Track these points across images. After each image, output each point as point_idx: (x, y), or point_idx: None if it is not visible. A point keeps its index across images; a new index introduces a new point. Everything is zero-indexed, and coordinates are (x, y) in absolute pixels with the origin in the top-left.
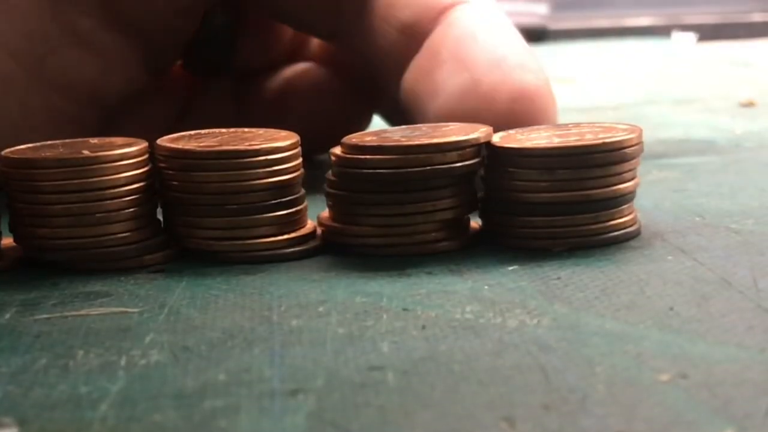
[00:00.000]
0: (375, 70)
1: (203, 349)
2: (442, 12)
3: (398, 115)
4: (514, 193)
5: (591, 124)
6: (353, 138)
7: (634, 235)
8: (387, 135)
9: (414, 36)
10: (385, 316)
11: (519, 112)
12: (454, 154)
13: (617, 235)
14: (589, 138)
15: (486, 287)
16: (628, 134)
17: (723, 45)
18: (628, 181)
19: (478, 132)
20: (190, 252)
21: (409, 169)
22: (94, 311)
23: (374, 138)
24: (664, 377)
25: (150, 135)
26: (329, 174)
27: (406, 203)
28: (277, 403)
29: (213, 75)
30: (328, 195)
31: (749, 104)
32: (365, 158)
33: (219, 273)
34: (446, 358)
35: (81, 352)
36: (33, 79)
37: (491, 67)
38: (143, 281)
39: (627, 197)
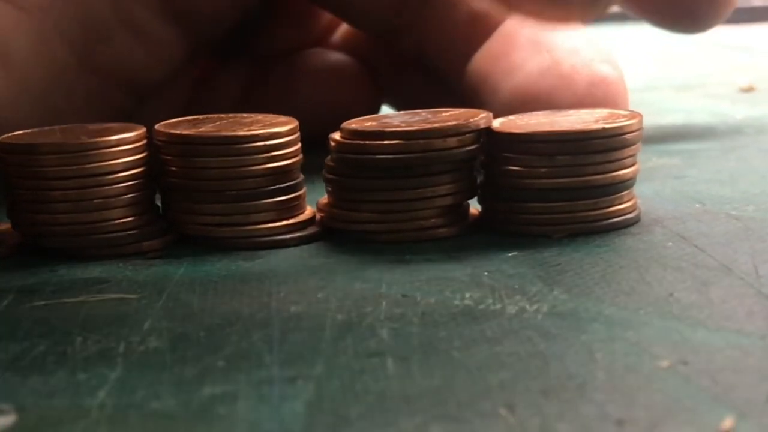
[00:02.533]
0: (435, 59)
1: (202, 336)
2: None
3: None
4: (514, 179)
5: (591, 110)
6: (352, 123)
7: (634, 222)
8: (386, 120)
9: (485, 24)
10: (384, 303)
11: (596, 95)
12: (453, 140)
13: (617, 222)
14: (589, 124)
15: (485, 273)
16: (629, 120)
17: (723, 30)
18: (628, 167)
19: (477, 117)
20: (189, 238)
21: (409, 155)
22: (93, 298)
23: (374, 123)
24: (664, 364)
25: (169, 116)
26: (328, 159)
27: (406, 189)
28: (276, 389)
29: (234, 55)
30: (327, 181)
31: (749, 89)
32: (365, 144)
33: (218, 259)
34: (446, 345)
35: (79, 339)
36: (83, 66)
37: (571, 52)
38: (142, 267)
39: (627, 183)
